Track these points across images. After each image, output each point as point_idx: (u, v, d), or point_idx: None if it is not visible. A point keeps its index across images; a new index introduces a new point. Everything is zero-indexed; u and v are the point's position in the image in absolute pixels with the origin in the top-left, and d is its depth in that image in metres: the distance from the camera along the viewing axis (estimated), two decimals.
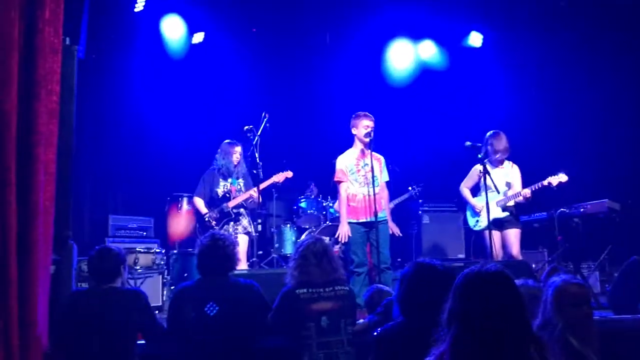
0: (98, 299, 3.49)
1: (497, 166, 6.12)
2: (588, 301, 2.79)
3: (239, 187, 6.53)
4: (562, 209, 6.29)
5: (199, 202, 6.40)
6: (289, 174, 6.71)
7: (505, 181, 6.07)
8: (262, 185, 6.45)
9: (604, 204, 6.04)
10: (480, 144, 6.01)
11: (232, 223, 6.37)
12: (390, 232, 5.84)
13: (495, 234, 5.93)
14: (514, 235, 5.98)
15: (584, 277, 6.25)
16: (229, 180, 6.49)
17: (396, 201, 7.79)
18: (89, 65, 7.50)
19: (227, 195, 6.45)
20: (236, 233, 6.33)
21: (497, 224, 5.97)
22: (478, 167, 6.05)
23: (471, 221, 6.41)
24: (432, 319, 2.14)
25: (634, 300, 4.75)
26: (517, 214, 6.10)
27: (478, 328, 1.82)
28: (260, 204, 6.37)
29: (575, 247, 6.50)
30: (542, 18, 8.48)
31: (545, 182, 5.70)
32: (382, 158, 6.01)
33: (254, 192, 6.23)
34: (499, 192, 5.94)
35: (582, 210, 6.16)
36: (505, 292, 1.88)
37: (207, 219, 6.29)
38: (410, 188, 7.95)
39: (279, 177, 6.64)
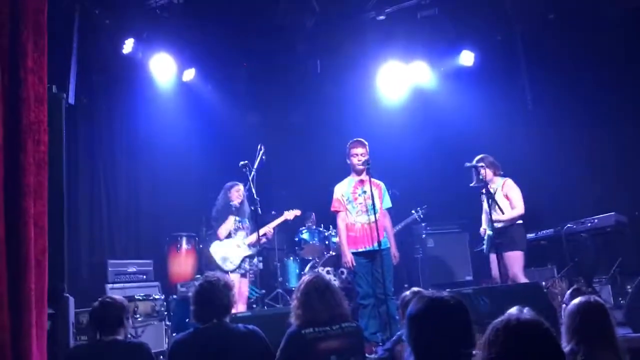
0: (101, 353, 3.35)
1: (493, 187, 6.05)
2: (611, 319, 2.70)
3: (247, 224, 6.53)
4: (569, 225, 6.19)
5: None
6: (298, 212, 6.86)
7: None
8: (274, 224, 6.62)
9: (611, 218, 5.93)
10: (480, 164, 5.96)
11: (248, 260, 6.41)
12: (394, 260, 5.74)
13: (500, 256, 5.81)
14: (507, 257, 5.83)
15: (596, 291, 6.11)
16: (238, 218, 6.48)
17: (400, 225, 7.69)
18: (81, 110, 7.49)
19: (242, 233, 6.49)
20: (252, 270, 6.42)
21: (495, 246, 5.81)
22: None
23: (485, 245, 6.34)
24: (446, 357, 2.11)
25: None
26: (510, 234, 5.89)
27: None
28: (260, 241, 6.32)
29: (585, 262, 6.38)
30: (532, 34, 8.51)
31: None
32: (382, 184, 5.92)
33: (267, 230, 6.36)
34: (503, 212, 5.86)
35: (589, 224, 6.05)
36: (547, 342, 1.80)
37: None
38: (413, 211, 7.84)
39: (289, 215, 6.75)
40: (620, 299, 6.46)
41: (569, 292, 3.49)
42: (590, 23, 7.88)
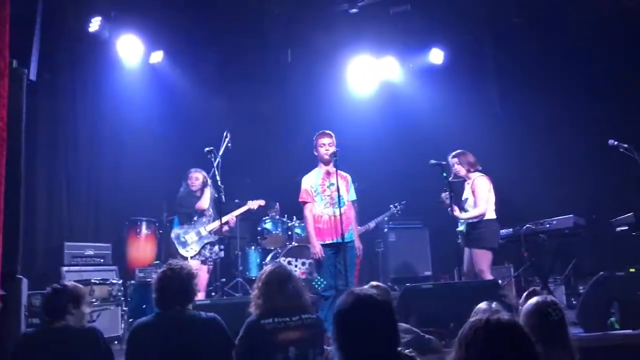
0: (51, 339, 3.28)
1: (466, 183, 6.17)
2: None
3: (211, 212, 6.42)
4: (528, 225, 6.30)
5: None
6: (262, 202, 6.85)
7: (464, 197, 6.08)
8: (237, 212, 6.51)
9: (569, 220, 6.06)
10: (444, 162, 6.03)
11: (209, 247, 6.33)
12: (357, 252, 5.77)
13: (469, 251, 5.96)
14: (474, 255, 5.92)
15: (551, 291, 6.26)
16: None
17: (378, 219, 7.75)
18: (43, 87, 7.29)
19: (203, 219, 6.40)
20: (211, 257, 6.34)
21: (465, 242, 5.98)
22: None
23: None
24: (369, 353, 2.12)
25: (603, 317, 4.74)
26: (478, 231, 5.96)
27: None
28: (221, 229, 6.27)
29: (542, 262, 6.52)
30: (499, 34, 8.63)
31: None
32: (348, 177, 5.93)
33: (230, 218, 6.33)
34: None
35: (548, 226, 6.18)
36: (525, 343, 1.83)
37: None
38: (392, 206, 7.88)
39: (253, 205, 6.71)
40: (573, 299, 6.64)
41: (525, 294, 3.55)
42: (558, 26, 8.03)
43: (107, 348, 3.45)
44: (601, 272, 5.02)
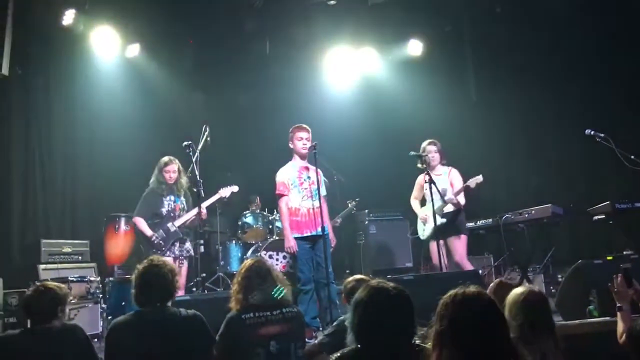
0: (34, 341, 3.21)
1: (434, 173, 6.14)
2: None
3: (182, 205, 6.25)
4: (507, 215, 6.34)
5: (142, 223, 6.07)
6: (235, 188, 6.53)
7: (441, 188, 6.08)
8: (208, 202, 6.23)
9: (548, 209, 6.11)
10: (424, 154, 6.07)
11: (178, 244, 6.11)
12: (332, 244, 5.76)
13: (442, 242, 5.95)
14: (453, 242, 6.06)
15: (530, 281, 6.32)
16: (172, 198, 6.21)
17: (340, 217, 7.72)
18: (16, 82, 7.15)
19: (172, 214, 6.17)
20: (182, 255, 6.10)
21: (440, 232, 5.95)
22: (421, 177, 6.16)
23: (420, 231, 6.53)
24: (388, 345, 2.22)
25: (581, 304, 4.79)
26: (457, 220, 6.15)
27: (469, 345, 1.93)
28: (203, 223, 6.12)
29: (521, 252, 6.58)
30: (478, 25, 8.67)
31: (464, 185, 5.96)
32: (320, 172, 5.91)
33: (200, 210, 5.89)
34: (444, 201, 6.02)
35: (526, 215, 6.23)
36: (489, 310, 2.01)
37: (155, 241, 5.97)
38: (349, 203, 7.86)
39: (225, 192, 6.43)
40: (552, 287, 6.70)
41: (492, 284, 3.55)
42: (536, 17, 8.08)
43: (91, 346, 3.40)
44: (579, 261, 5.08)
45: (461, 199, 6.13)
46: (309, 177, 5.64)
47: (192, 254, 6.18)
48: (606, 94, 7.66)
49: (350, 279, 3.88)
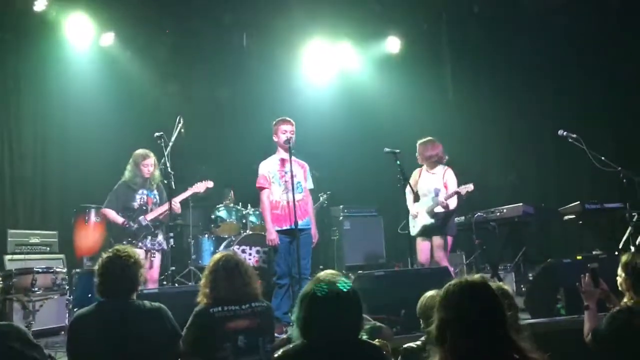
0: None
1: (429, 172, 6.14)
2: None
3: (155, 199, 6.14)
4: (479, 213, 6.39)
5: (111, 213, 5.92)
6: (210, 183, 6.43)
7: (434, 187, 6.07)
8: (182, 196, 6.13)
9: (519, 208, 6.18)
10: (398, 150, 6.01)
11: (150, 237, 5.99)
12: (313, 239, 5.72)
13: (430, 240, 5.97)
14: (437, 242, 5.99)
15: (500, 279, 6.38)
16: (144, 192, 6.10)
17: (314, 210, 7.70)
18: None
19: (144, 207, 6.05)
20: (154, 248, 5.99)
21: (427, 231, 5.95)
22: (416, 172, 6.16)
23: (410, 227, 6.32)
24: (332, 341, 2.22)
25: (550, 303, 4.84)
26: (446, 221, 6.02)
27: (472, 330, 1.94)
28: (174, 217, 6.03)
29: (492, 250, 6.63)
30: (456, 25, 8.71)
31: (454, 191, 5.83)
32: (306, 165, 5.89)
33: (172, 204, 5.74)
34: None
35: (498, 214, 6.28)
36: (489, 297, 2.02)
37: (127, 226, 5.82)
38: (320, 196, 7.84)
39: (199, 187, 6.32)
40: (522, 286, 6.77)
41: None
42: (513, 17, 8.14)
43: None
44: (549, 259, 5.14)
45: (452, 203, 5.97)
46: (291, 170, 5.59)
47: (165, 247, 6.07)
48: (580, 94, 7.76)
49: (322, 273, 3.85)
